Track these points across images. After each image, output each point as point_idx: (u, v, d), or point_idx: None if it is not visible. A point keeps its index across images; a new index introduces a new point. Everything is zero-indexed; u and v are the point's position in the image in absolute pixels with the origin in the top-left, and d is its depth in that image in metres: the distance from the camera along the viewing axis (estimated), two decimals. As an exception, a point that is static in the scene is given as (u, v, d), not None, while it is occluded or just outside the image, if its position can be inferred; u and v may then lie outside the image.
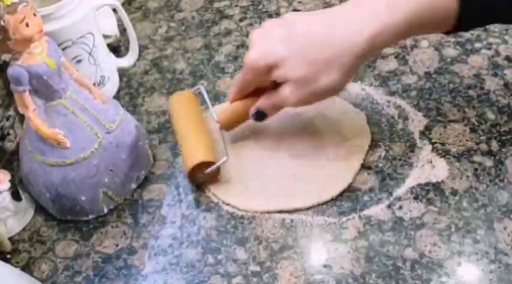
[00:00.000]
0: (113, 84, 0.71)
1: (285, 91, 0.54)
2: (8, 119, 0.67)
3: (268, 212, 0.56)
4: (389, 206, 0.55)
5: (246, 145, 0.63)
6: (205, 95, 0.62)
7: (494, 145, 0.59)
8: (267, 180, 0.59)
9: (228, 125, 0.60)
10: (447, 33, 0.54)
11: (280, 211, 0.56)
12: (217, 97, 0.70)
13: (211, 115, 0.60)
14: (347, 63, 0.52)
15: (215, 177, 0.59)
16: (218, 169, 0.58)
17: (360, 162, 0.59)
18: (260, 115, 0.58)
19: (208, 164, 0.57)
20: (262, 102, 0.57)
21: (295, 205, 0.56)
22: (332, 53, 0.51)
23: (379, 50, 0.55)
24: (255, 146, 0.62)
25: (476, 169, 0.57)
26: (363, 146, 0.60)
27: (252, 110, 0.57)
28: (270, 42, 0.54)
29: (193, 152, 0.58)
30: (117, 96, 0.72)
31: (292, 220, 0.56)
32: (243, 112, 0.59)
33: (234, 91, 0.59)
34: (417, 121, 0.63)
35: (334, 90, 0.54)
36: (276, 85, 0.55)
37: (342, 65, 0.52)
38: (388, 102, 0.65)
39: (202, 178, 0.58)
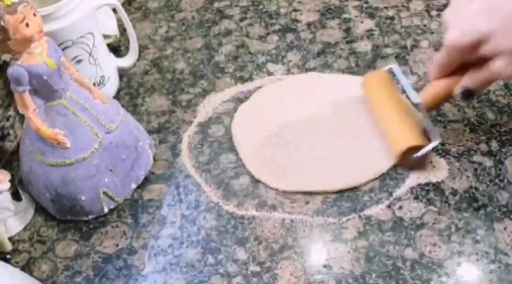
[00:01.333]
0: (112, 84, 0.71)
1: (499, 64, 0.50)
2: (8, 119, 0.67)
3: (295, 192, 0.58)
4: (389, 206, 0.55)
5: (286, 124, 0.64)
6: (401, 75, 0.61)
7: (494, 145, 0.59)
8: (300, 160, 0.60)
9: (431, 105, 0.58)
10: None
11: (306, 192, 0.58)
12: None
13: (410, 95, 0.59)
14: None
15: (424, 161, 0.58)
16: (427, 154, 0.57)
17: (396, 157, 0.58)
18: (467, 94, 0.54)
19: (417, 148, 0.56)
20: (469, 80, 0.53)
21: (321, 188, 0.58)
22: None
23: None
24: (293, 125, 0.64)
25: (476, 169, 0.57)
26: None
27: (458, 89, 0.54)
28: (469, 17, 0.50)
29: (404, 134, 0.57)
30: (117, 96, 0.72)
31: (292, 220, 0.56)
32: (446, 91, 0.56)
33: (435, 72, 0.56)
34: (417, 121, 0.63)
35: None
36: (480, 60, 0.52)
37: None
38: (388, 102, 0.65)
39: (410, 161, 0.57)
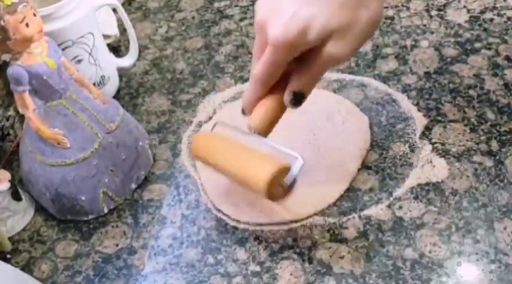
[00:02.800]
0: (112, 84, 0.71)
1: (332, 48, 0.47)
2: (8, 119, 0.67)
3: (262, 224, 0.55)
4: (389, 206, 0.55)
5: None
6: (226, 125, 0.55)
7: (494, 145, 0.59)
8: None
9: (266, 129, 0.51)
10: None
11: (275, 224, 0.55)
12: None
13: (242, 134, 0.52)
14: None
15: (291, 189, 0.51)
16: (294, 180, 0.50)
17: (357, 167, 0.58)
18: (298, 98, 0.49)
19: (282, 173, 0.49)
20: (298, 81, 0.49)
21: (289, 218, 0.55)
22: None
23: None
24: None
25: (476, 169, 0.57)
26: (361, 152, 0.60)
27: (288, 96, 0.49)
28: (285, 10, 0.47)
29: (259, 168, 0.49)
30: (117, 96, 0.72)
31: (292, 220, 0.56)
32: (276, 107, 0.50)
33: (257, 90, 0.50)
34: (417, 121, 0.63)
35: (378, 20, 0.48)
36: (297, 60, 0.48)
37: None
38: (388, 102, 0.65)
39: (278, 192, 0.50)
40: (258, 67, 0.49)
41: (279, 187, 0.50)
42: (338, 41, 0.47)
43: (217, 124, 0.56)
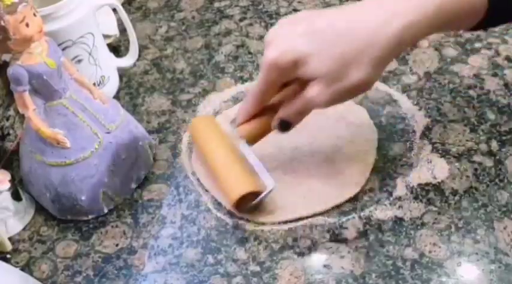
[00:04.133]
0: (112, 84, 0.71)
1: (313, 91, 0.50)
2: (8, 119, 0.67)
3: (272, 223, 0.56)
4: (389, 206, 0.55)
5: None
6: (223, 125, 0.59)
7: (494, 145, 0.59)
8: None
9: (253, 139, 0.55)
10: (473, 29, 0.51)
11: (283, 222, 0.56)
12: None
13: (234, 135, 0.56)
14: (377, 57, 0.48)
15: (259, 204, 0.56)
16: (264, 198, 0.55)
17: (363, 180, 0.57)
18: (284, 125, 0.53)
19: (254, 193, 0.54)
20: (285, 110, 0.53)
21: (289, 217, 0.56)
22: (360, 45, 0.48)
23: (408, 45, 0.52)
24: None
25: (476, 169, 0.57)
26: (368, 164, 0.59)
27: (275, 121, 0.53)
28: (290, 39, 0.50)
29: (235, 182, 0.54)
30: (117, 96, 0.72)
31: (292, 220, 0.56)
32: (263, 126, 0.55)
33: (252, 104, 0.54)
34: (417, 121, 0.63)
35: (366, 85, 0.50)
36: (294, 93, 0.52)
37: (371, 58, 0.48)
38: (388, 102, 0.65)
39: (246, 206, 0.55)
40: (254, 84, 0.54)
41: (247, 202, 0.54)
42: (321, 86, 0.50)
43: (221, 114, 0.60)
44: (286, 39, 0.50)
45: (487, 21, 0.50)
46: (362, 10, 0.50)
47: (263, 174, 0.55)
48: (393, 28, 0.48)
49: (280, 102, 0.54)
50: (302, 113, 0.53)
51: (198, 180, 0.61)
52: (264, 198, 0.54)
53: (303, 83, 0.51)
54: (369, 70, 0.49)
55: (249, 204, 0.55)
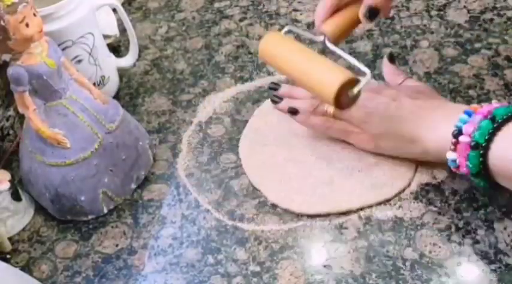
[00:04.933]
0: (113, 84, 0.71)
1: None
2: (8, 119, 0.67)
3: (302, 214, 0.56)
4: (389, 206, 0.55)
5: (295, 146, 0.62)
6: (299, 31, 0.55)
7: (494, 145, 0.59)
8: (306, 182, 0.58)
9: (338, 36, 0.52)
10: None
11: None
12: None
13: (313, 37, 0.53)
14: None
15: (357, 98, 0.50)
16: (359, 90, 0.50)
17: (400, 188, 0.57)
18: (373, 12, 0.51)
19: (350, 83, 0.49)
20: None
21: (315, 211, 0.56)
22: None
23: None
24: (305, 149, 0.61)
25: (476, 169, 0.57)
26: (410, 173, 0.58)
27: (363, 9, 0.51)
28: None
29: (329, 76, 0.49)
30: (117, 96, 0.72)
31: (292, 220, 0.56)
32: (349, 19, 0.52)
33: (327, 6, 0.52)
34: (417, 121, 0.62)
35: None
36: None
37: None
38: (388, 102, 0.65)
39: (345, 102, 0.50)
40: None
41: (345, 96, 0.49)
42: None
43: (290, 30, 0.55)
44: None
45: None
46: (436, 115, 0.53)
47: (356, 63, 0.51)
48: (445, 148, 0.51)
49: None
50: None
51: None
52: (361, 88, 0.49)
53: None
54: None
55: (348, 97, 0.50)
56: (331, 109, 0.58)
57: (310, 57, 0.52)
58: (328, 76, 0.49)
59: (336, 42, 0.53)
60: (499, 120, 0.48)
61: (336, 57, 0.53)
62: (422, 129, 0.53)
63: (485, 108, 0.49)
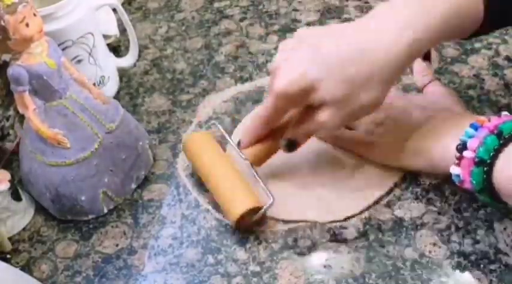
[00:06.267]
0: (113, 84, 0.71)
1: (323, 115, 0.50)
2: (8, 119, 0.67)
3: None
4: (389, 206, 0.55)
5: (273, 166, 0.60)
6: (223, 132, 0.60)
7: (494, 145, 0.59)
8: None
9: (258, 161, 0.56)
10: (471, 36, 0.52)
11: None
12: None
13: (236, 153, 0.57)
14: (387, 76, 0.48)
15: (261, 219, 0.55)
16: (265, 213, 0.54)
17: (375, 198, 0.56)
18: (291, 145, 0.54)
19: (254, 209, 0.53)
20: (293, 131, 0.54)
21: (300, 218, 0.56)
22: (370, 67, 0.48)
23: (415, 58, 0.52)
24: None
25: (476, 169, 0.57)
26: (387, 184, 0.57)
27: (283, 141, 0.54)
28: (297, 65, 0.50)
29: (236, 199, 0.53)
30: (117, 96, 0.72)
31: (292, 220, 0.56)
32: (270, 146, 0.56)
33: (259, 126, 0.55)
34: (417, 121, 0.62)
35: (376, 105, 0.50)
36: (301, 115, 0.53)
37: (381, 79, 0.48)
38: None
39: (248, 223, 0.54)
40: (261, 107, 0.54)
41: (248, 219, 0.54)
42: (332, 110, 0.50)
43: (214, 125, 0.60)
44: (293, 67, 0.50)
45: (487, 23, 0.50)
46: (369, 27, 0.49)
47: (263, 188, 0.55)
48: (403, 45, 0.47)
49: (284, 123, 0.55)
50: (310, 134, 0.54)
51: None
52: (263, 213, 0.54)
53: (310, 106, 0.51)
54: (379, 90, 0.49)
55: (251, 219, 0.54)
56: None
57: (224, 173, 0.56)
58: (233, 203, 0.53)
59: (258, 165, 0.56)
60: (506, 136, 0.46)
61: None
62: (428, 141, 0.53)
63: (493, 122, 0.47)
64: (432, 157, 0.52)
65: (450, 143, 0.49)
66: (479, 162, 0.46)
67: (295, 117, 0.54)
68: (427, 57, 0.62)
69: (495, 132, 0.46)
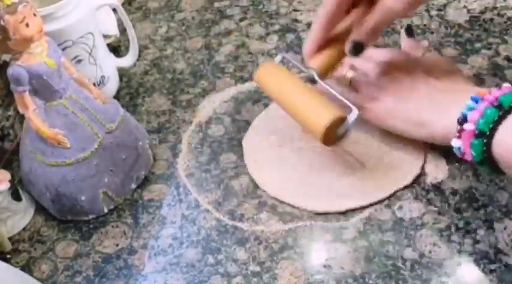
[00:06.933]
0: (113, 84, 0.71)
1: (389, 1, 0.50)
2: (8, 119, 0.67)
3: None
4: (389, 206, 0.55)
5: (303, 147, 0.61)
6: (292, 60, 0.59)
7: (494, 145, 0.59)
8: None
9: (324, 71, 0.55)
10: None
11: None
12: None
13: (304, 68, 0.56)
14: None
15: (344, 135, 0.54)
16: (347, 130, 0.53)
17: (402, 184, 0.56)
18: (358, 47, 0.53)
19: (339, 122, 0.52)
20: (359, 31, 0.53)
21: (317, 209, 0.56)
22: None
23: None
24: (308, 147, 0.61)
25: (476, 169, 0.57)
26: (411, 172, 0.57)
27: (349, 44, 0.53)
28: None
29: (319, 114, 0.52)
30: (117, 96, 0.72)
31: (292, 220, 0.56)
32: (336, 54, 0.55)
33: (321, 25, 0.54)
34: (417, 121, 0.62)
35: None
36: (363, 14, 0.53)
37: None
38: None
39: (334, 139, 0.53)
40: (322, 9, 0.53)
41: (333, 134, 0.52)
42: None
43: (285, 58, 0.59)
44: None
45: None
46: None
47: (343, 102, 0.53)
48: None
49: (346, 30, 0.54)
50: (376, 30, 0.53)
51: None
52: (351, 126, 0.53)
53: (370, 2, 0.51)
54: None
55: (336, 135, 0.53)
56: (349, 74, 0.59)
57: (301, 92, 0.55)
58: (316, 116, 0.53)
59: (323, 76, 0.55)
60: (506, 108, 0.46)
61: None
62: (430, 114, 0.53)
63: (493, 94, 0.47)
64: (434, 129, 0.53)
65: (452, 116, 0.49)
66: (479, 134, 0.47)
67: (358, 17, 0.53)
68: (410, 34, 0.62)
69: (495, 104, 0.47)
